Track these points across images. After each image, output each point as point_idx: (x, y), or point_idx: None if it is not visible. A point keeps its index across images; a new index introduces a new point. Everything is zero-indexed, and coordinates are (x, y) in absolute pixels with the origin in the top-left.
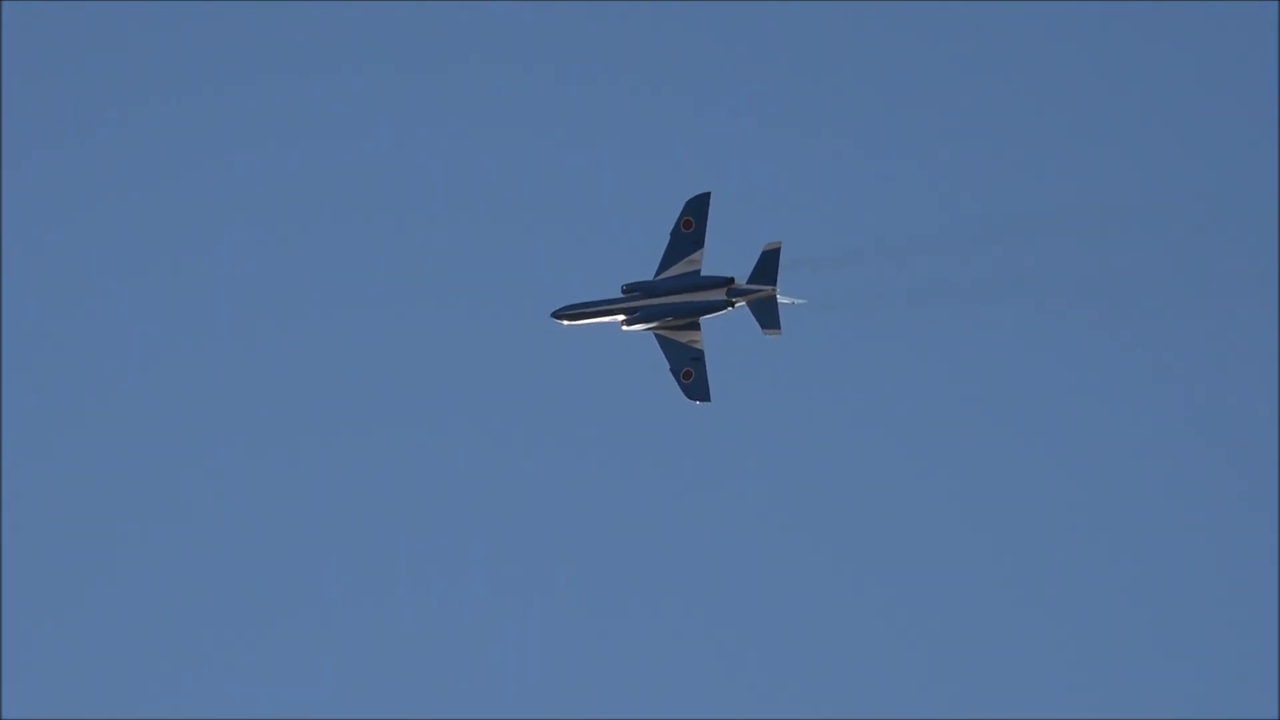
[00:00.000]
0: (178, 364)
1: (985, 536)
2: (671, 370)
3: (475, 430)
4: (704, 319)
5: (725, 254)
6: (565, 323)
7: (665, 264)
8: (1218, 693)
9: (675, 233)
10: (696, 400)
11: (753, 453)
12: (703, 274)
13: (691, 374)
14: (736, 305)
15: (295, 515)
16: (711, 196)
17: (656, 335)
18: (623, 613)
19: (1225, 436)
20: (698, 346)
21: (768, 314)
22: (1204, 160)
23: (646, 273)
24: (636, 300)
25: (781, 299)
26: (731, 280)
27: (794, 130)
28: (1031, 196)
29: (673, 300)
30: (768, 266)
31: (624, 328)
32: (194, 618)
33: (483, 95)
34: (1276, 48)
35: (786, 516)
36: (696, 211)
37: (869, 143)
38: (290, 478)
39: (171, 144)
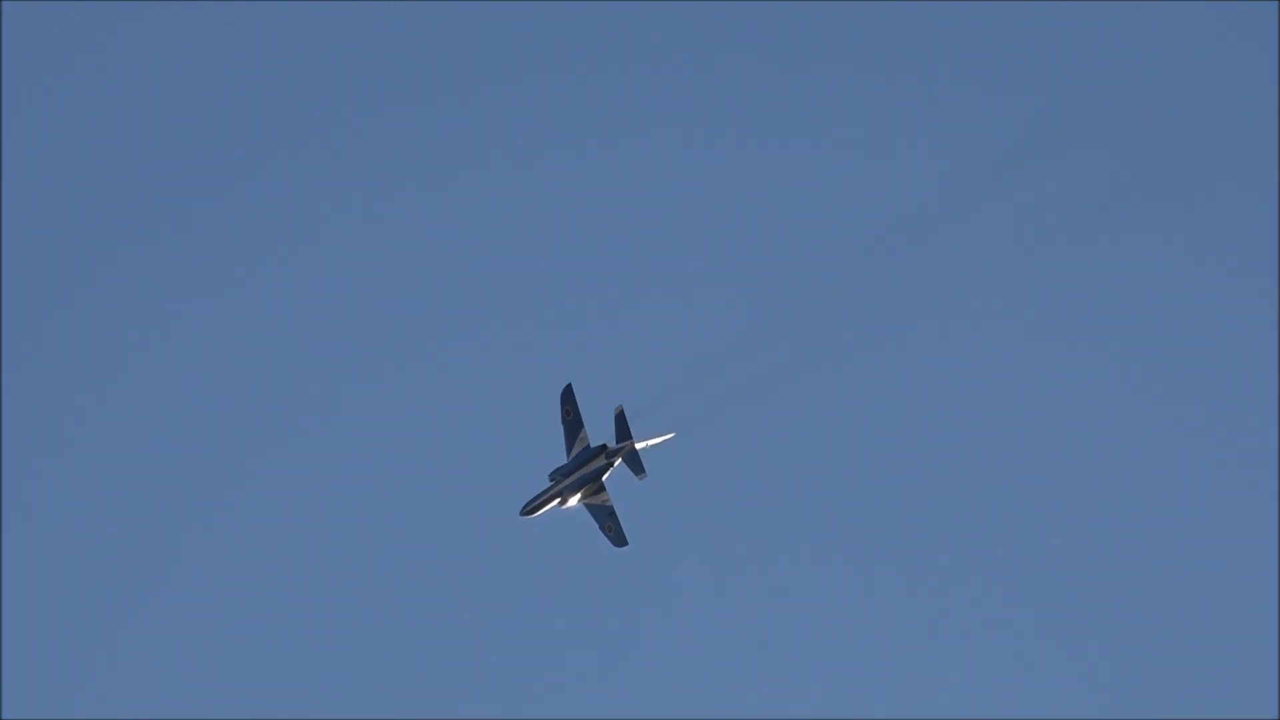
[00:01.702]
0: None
1: (972, 554)
2: (600, 529)
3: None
4: (605, 480)
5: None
6: (534, 514)
7: (568, 447)
8: (1218, 693)
9: (563, 421)
10: (620, 546)
11: (673, 578)
12: (590, 446)
13: (611, 527)
14: (615, 464)
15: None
16: (573, 386)
17: (584, 505)
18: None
19: (1224, 438)
20: (609, 504)
21: (634, 463)
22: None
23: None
24: (561, 483)
25: (646, 443)
26: (605, 446)
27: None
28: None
29: (579, 475)
30: (621, 427)
31: (562, 507)
32: (194, 618)
33: None
34: (1277, 47)
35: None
36: (568, 400)
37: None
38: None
39: (171, 143)
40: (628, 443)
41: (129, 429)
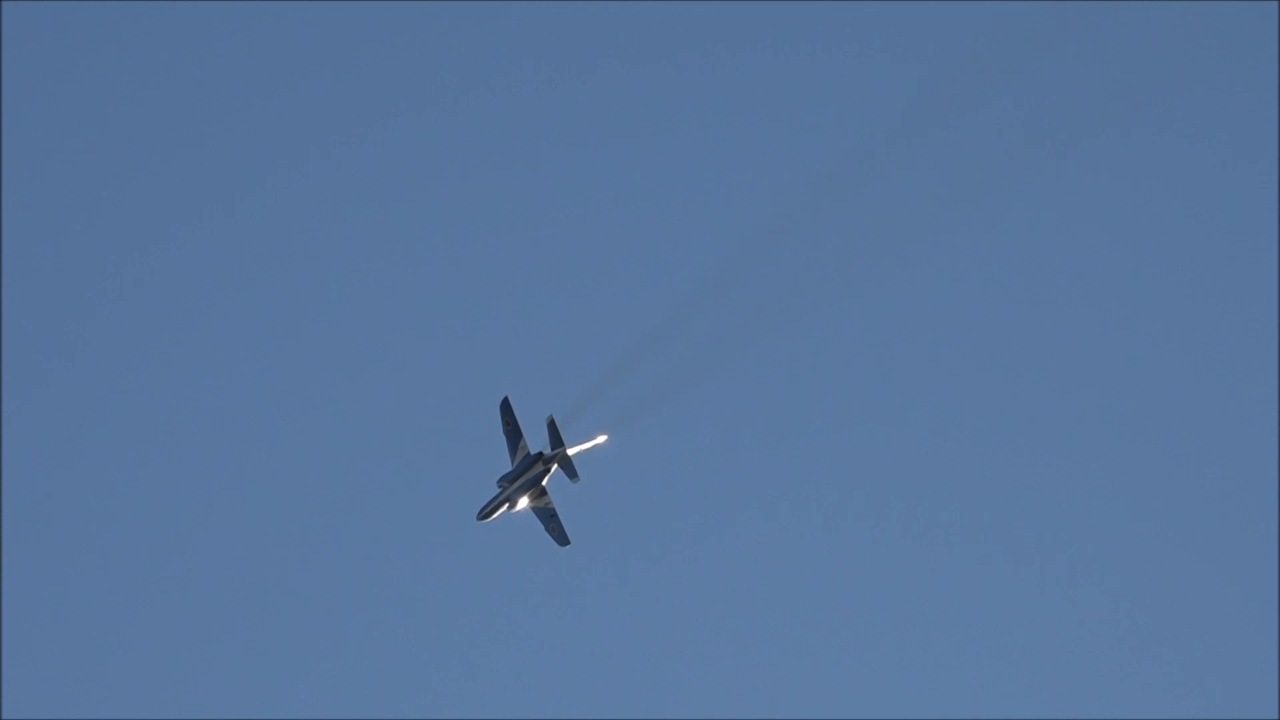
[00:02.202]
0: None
1: (967, 552)
2: (545, 530)
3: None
4: (545, 484)
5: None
6: (489, 518)
7: (511, 455)
8: (1218, 693)
9: (504, 431)
10: (563, 545)
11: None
12: (530, 454)
13: (555, 528)
14: (551, 469)
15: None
16: (509, 398)
17: (531, 508)
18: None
19: (1224, 438)
20: (551, 507)
21: (568, 468)
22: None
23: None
24: (507, 489)
25: (579, 448)
26: (541, 454)
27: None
28: None
29: (521, 481)
30: (554, 434)
31: (512, 511)
32: (195, 618)
33: None
34: (1277, 47)
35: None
36: (506, 412)
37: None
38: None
39: (171, 143)
40: (560, 449)
41: (127, 429)
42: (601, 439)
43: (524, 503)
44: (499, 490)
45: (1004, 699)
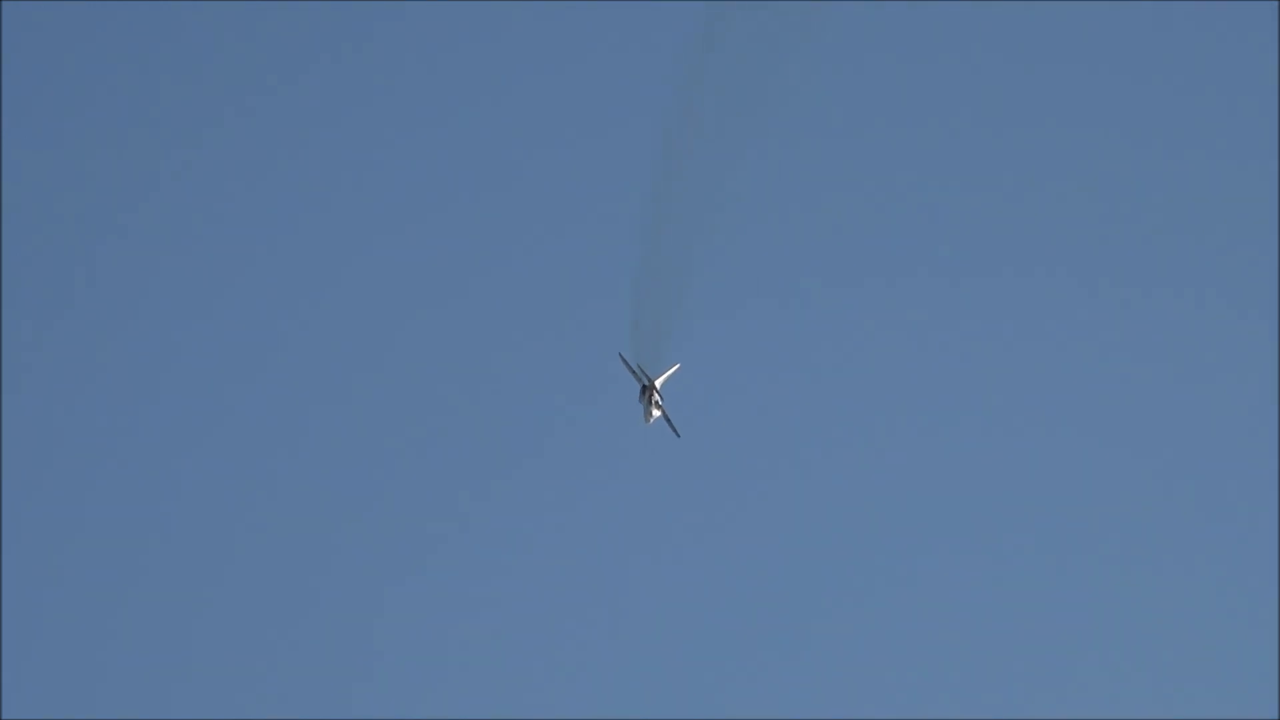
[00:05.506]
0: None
1: (977, 536)
2: (670, 427)
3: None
4: (657, 400)
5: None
6: (649, 423)
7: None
8: (1218, 693)
9: (629, 370)
10: (678, 437)
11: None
12: (641, 384)
13: (672, 428)
14: (653, 392)
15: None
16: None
17: (661, 417)
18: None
19: (1226, 439)
20: (666, 415)
21: (659, 394)
22: (1204, 162)
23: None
24: (645, 405)
25: (664, 377)
26: (643, 385)
27: None
28: None
29: (644, 400)
30: (643, 372)
31: (654, 418)
32: (197, 618)
33: None
34: (1277, 47)
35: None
36: (624, 361)
37: None
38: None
39: (171, 144)
40: (650, 381)
41: (127, 427)
42: (676, 367)
43: (656, 413)
44: (642, 406)
45: (1004, 698)
